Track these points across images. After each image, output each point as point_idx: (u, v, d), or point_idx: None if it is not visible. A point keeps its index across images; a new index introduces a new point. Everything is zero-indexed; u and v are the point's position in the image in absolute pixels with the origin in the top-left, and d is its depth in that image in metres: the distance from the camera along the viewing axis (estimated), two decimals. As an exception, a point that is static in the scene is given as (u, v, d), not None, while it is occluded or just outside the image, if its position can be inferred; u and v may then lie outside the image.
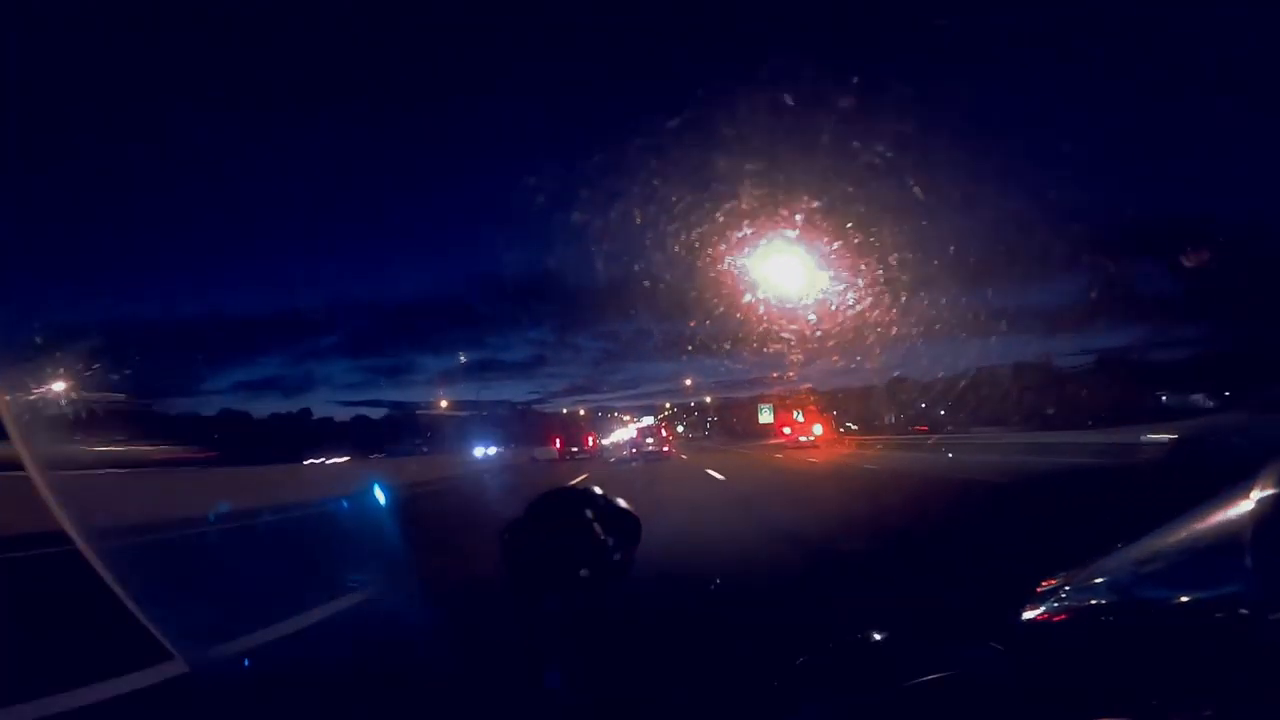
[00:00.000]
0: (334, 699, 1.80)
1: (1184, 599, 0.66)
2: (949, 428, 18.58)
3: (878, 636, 1.01)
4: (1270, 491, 0.59)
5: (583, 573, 0.87)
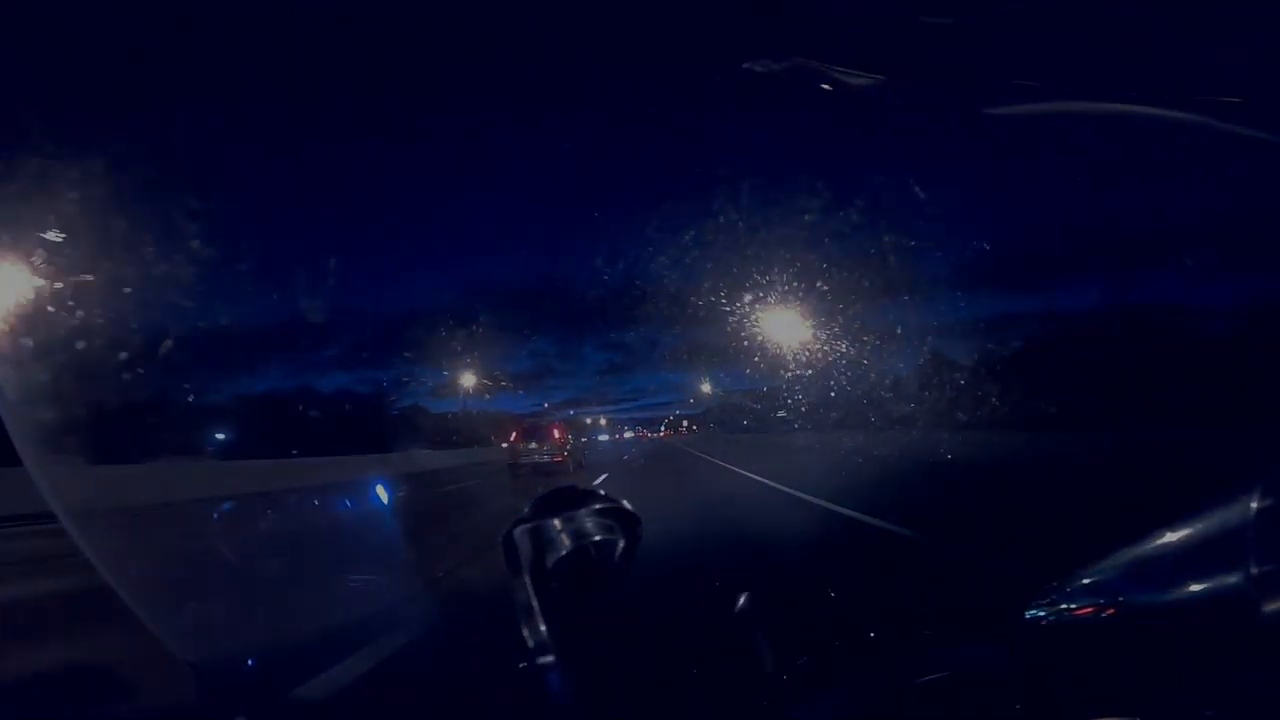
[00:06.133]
0: (334, 699, 1.80)
1: (1184, 599, 0.66)
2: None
3: (880, 636, 1.01)
4: (1270, 491, 0.58)
5: (576, 564, 0.87)
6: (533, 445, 16.18)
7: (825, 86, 2.59)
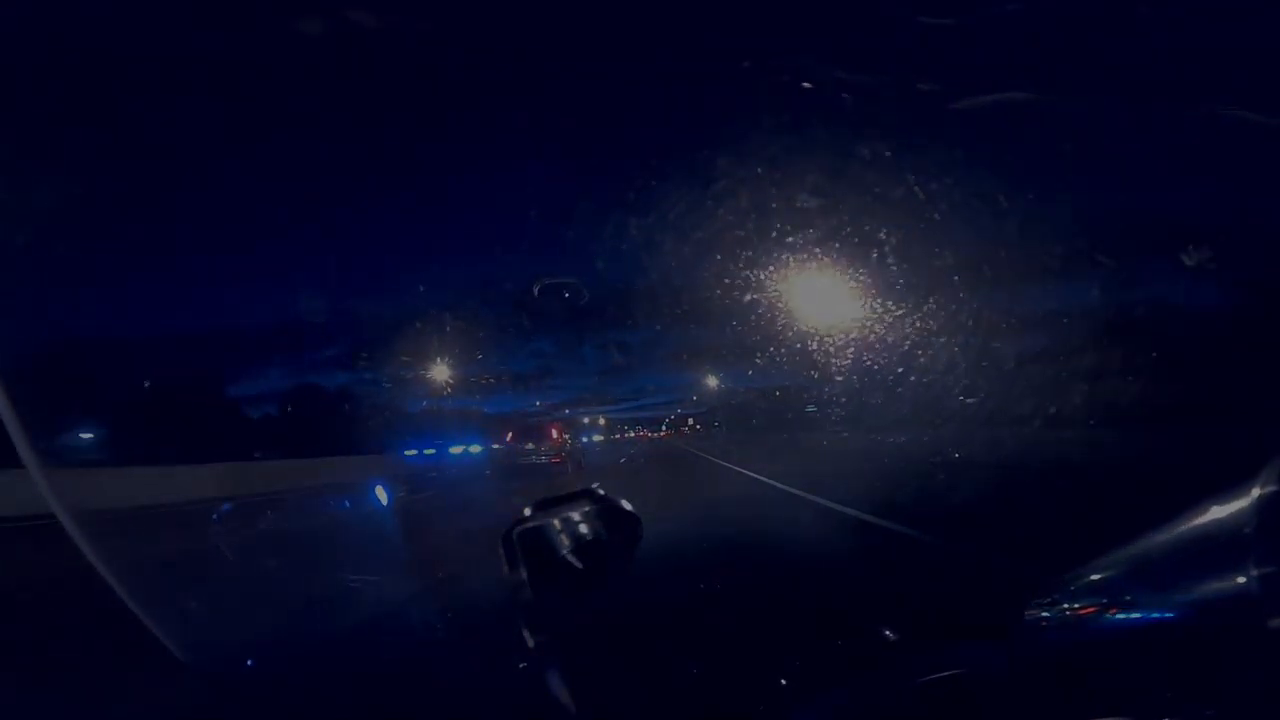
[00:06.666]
0: (335, 699, 1.80)
1: (1185, 599, 0.66)
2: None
3: (881, 636, 1.01)
4: (1272, 490, 0.58)
5: (576, 564, 0.87)
6: (529, 446, 15.61)
7: (806, 85, 2.59)
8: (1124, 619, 0.73)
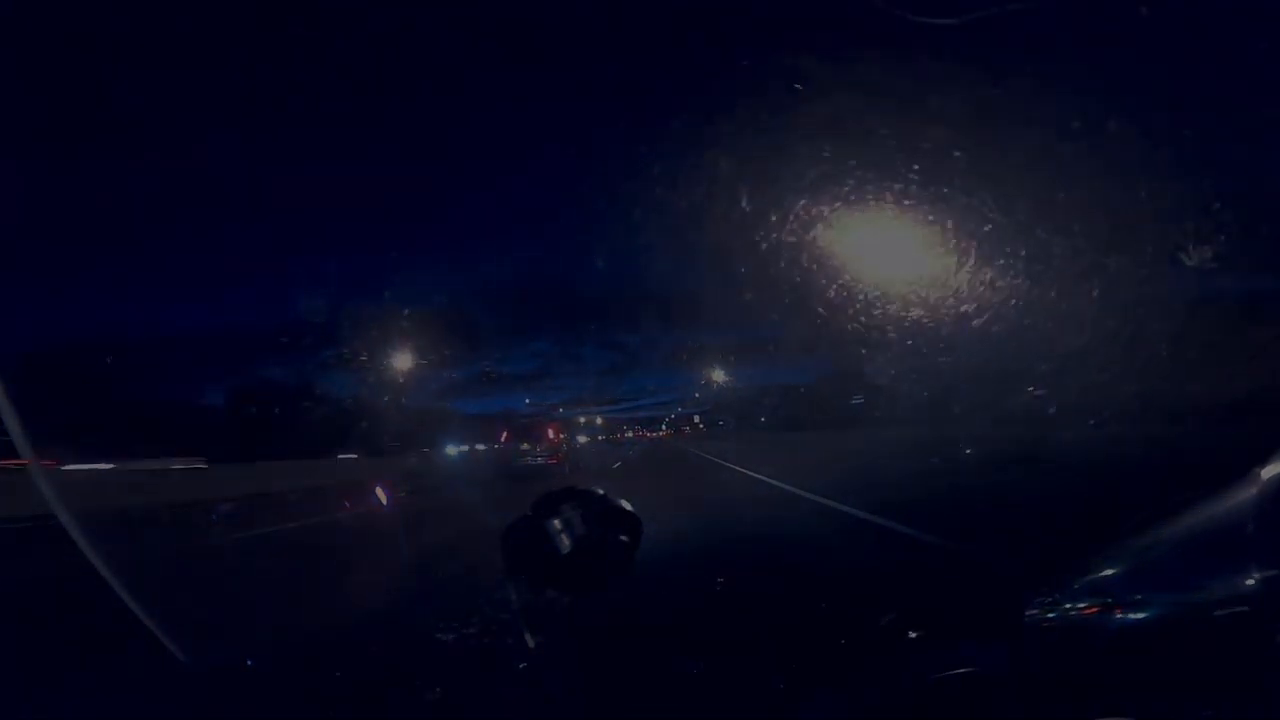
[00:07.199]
0: (335, 700, 1.80)
1: (1186, 597, 0.66)
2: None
3: (881, 636, 1.01)
4: (1272, 488, 0.58)
5: (576, 564, 0.87)
6: (525, 446, 15.58)
7: (797, 86, 2.55)
8: (1125, 618, 0.72)
